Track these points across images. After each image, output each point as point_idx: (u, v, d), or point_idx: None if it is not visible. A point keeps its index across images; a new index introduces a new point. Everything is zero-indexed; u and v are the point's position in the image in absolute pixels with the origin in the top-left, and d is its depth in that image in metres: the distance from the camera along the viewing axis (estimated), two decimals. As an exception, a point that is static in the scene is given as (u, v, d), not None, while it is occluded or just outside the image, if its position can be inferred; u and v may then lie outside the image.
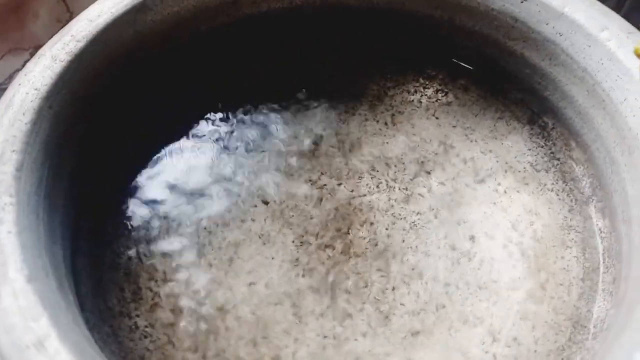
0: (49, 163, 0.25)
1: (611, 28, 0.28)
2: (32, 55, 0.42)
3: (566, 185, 0.31)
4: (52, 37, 0.42)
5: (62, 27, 0.41)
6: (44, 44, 0.42)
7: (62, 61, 0.27)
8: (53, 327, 0.19)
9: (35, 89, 0.26)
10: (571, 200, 0.31)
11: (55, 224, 0.25)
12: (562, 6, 0.29)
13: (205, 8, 0.32)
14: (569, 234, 0.30)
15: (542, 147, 0.33)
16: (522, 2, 0.30)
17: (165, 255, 0.29)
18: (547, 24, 0.30)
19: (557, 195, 0.31)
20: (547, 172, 0.32)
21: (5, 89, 0.43)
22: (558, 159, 0.32)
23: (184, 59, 0.33)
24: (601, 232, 0.29)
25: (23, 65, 0.42)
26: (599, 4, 0.29)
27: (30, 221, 0.23)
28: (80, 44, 0.28)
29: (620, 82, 0.27)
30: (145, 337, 0.27)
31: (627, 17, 0.29)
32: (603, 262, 0.29)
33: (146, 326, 0.27)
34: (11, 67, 0.42)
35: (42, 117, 0.26)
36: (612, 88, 0.27)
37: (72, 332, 0.20)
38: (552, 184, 0.32)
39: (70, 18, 0.40)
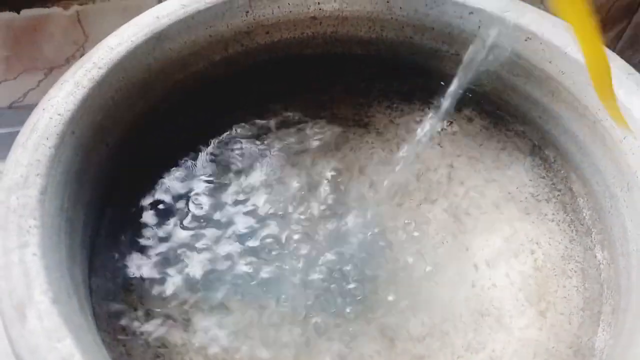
0: (70, 187, 0.26)
1: (612, 68, 0.29)
2: (46, 75, 0.43)
3: (567, 216, 0.32)
4: (67, 58, 0.43)
5: (77, 50, 0.42)
6: (58, 65, 0.43)
7: (84, 87, 0.28)
8: (77, 348, 0.20)
9: (59, 114, 0.27)
10: (572, 231, 0.32)
11: (75, 245, 0.26)
12: (565, 45, 0.30)
13: (221, 38, 0.33)
14: (569, 263, 0.31)
15: (544, 177, 0.34)
16: (525, 40, 0.31)
17: (178, 275, 0.30)
18: (550, 62, 0.31)
19: (558, 225, 0.32)
20: (548, 202, 0.33)
21: (18, 107, 0.44)
22: (559, 190, 0.33)
23: (198, 86, 0.34)
24: (601, 263, 0.30)
25: (37, 85, 0.44)
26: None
27: (53, 243, 0.24)
28: (102, 71, 0.29)
29: (620, 121, 0.28)
30: (158, 357, 0.28)
31: (621, 53, 0.30)
32: (603, 293, 0.30)
33: (159, 346, 0.28)
34: (25, 87, 0.43)
35: (65, 142, 0.26)
36: (613, 126, 0.28)
37: (94, 352, 0.21)
38: (553, 214, 0.33)
39: (86, 41, 0.41)
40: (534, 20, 0.31)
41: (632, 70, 0.29)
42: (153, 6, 0.31)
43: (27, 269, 0.22)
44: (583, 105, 0.30)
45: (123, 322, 0.28)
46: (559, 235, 0.32)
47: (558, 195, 0.33)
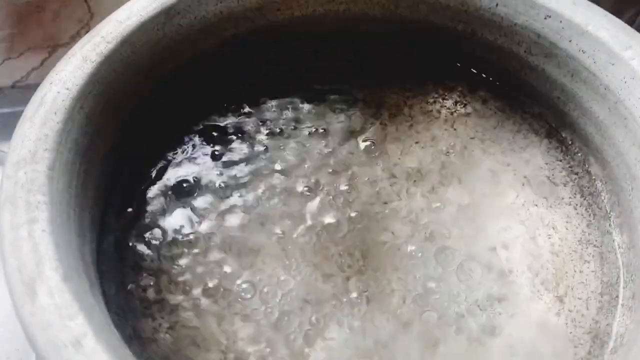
0: (79, 163, 0.25)
1: (635, 47, 0.28)
2: (50, 53, 0.42)
3: (584, 199, 0.32)
4: (71, 36, 0.42)
5: (82, 27, 0.42)
6: (62, 43, 0.42)
7: (92, 62, 0.27)
8: (89, 326, 0.19)
9: (67, 89, 0.26)
10: (589, 215, 0.31)
11: (84, 224, 0.25)
12: (586, 24, 0.30)
13: (231, 14, 0.32)
14: (587, 248, 0.30)
15: (560, 160, 0.33)
16: (545, 18, 0.31)
17: (187, 255, 0.29)
18: (570, 41, 0.30)
19: (575, 209, 0.32)
20: (565, 186, 0.32)
21: (22, 86, 0.44)
22: (576, 174, 0.33)
23: (208, 62, 0.33)
24: (620, 247, 0.30)
25: (41, 64, 0.43)
26: (623, 23, 0.29)
27: (63, 221, 0.23)
28: (110, 45, 0.28)
29: (643, 100, 0.28)
30: (168, 338, 0.27)
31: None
32: (622, 278, 0.29)
33: (169, 327, 0.27)
34: (29, 65, 0.42)
35: (73, 117, 0.26)
36: (635, 106, 0.28)
37: (106, 331, 0.20)
38: (570, 198, 0.32)
39: (91, 19, 0.41)
40: (554, -3, 0.30)
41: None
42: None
43: (37, 244, 0.21)
44: (604, 85, 0.29)
45: (131, 303, 0.27)
46: (576, 219, 0.31)
47: (575, 178, 0.33)
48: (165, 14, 0.30)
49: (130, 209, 0.30)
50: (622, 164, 0.29)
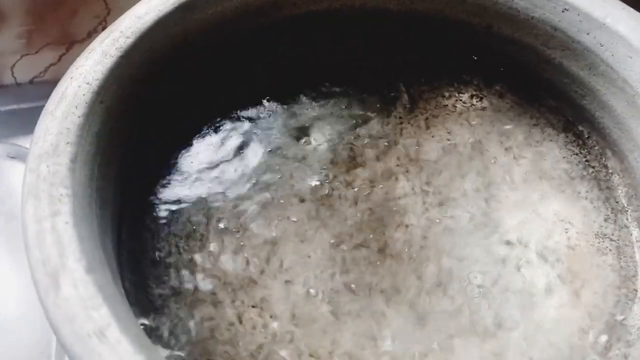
0: (100, 156, 0.26)
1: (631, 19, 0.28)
2: (67, 50, 0.43)
3: (601, 193, 0.32)
4: (88, 32, 0.42)
5: (99, 23, 0.42)
6: (80, 39, 0.43)
7: (112, 56, 0.27)
8: (113, 317, 0.20)
9: (87, 83, 0.26)
10: (606, 209, 0.31)
11: (106, 216, 0.25)
12: (604, 17, 0.29)
13: (247, 9, 0.32)
14: (604, 242, 0.30)
15: (577, 154, 0.33)
16: (563, 11, 0.31)
17: (204, 250, 0.29)
18: (588, 34, 0.30)
19: (592, 203, 0.32)
20: (582, 179, 0.32)
21: (40, 82, 0.44)
22: (593, 167, 0.33)
23: (225, 56, 0.33)
24: (637, 241, 0.30)
25: (59, 60, 0.43)
26: (640, 15, 0.29)
27: (85, 213, 0.23)
28: (130, 40, 0.28)
29: (662, 94, 0.27)
30: (186, 331, 0.27)
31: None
32: (639, 271, 0.29)
33: (187, 320, 0.27)
34: (47, 61, 0.43)
35: (94, 111, 0.26)
36: (654, 99, 0.28)
37: (130, 322, 0.21)
38: (587, 192, 0.32)
39: (108, 15, 0.41)
40: (572, -10, 0.30)
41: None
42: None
43: (60, 236, 0.22)
44: (622, 79, 0.29)
45: (150, 296, 0.28)
46: (593, 213, 0.31)
47: (592, 172, 0.32)
48: (184, 8, 0.30)
49: (150, 200, 0.31)
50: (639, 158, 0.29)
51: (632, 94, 0.29)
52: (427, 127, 0.34)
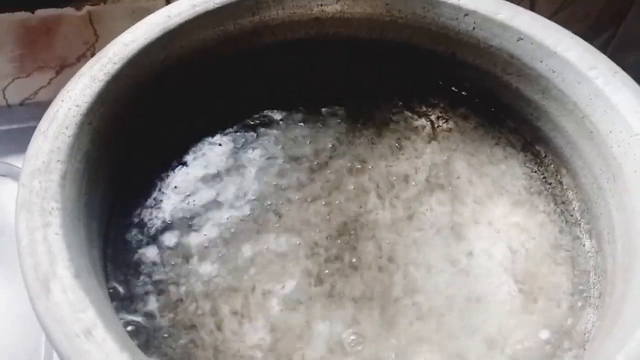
0: (88, 173, 0.28)
1: (599, 67, 0.31)
2: (57, 73, 0.45)
3: (557, 207, 0.34)
4: (77, 57, 0.44)
5: (88, 49, 0.44)
6: (69, 63, 0.45)
7: (100, 81, 0.30)
8: (99, 318, 0.22)
9: (77, 106, 0.28)
10: (561, 222, 0.34)
11: (93, 229, 0.27)
12: (555, 45, 0.32)
13: (229, 36, 0.35)
14: (559, 252, 0.33)
15: (535, 172, 0.36)
16: (517, 40, 0.33)
17: (187, 260, 0.31)
18: (541, 61, 0.33)
19: (549, 216, 0.34)
20: (539, 195, 0.35)
21: (31, 104, 0.46)
22: (550, 184, 0.35)
23: (210, 81, 0.35)
24: (589, 251, 0.32)
25: (49, 83, 0.45)
26: (588, 44, 0.32)
27: (74, 226, 0.25)
28: (117, 66, 0.30)
29: (606, 116, 0.30)
30: (169, 336, 0.29)
31: (612, 57, 0.32)
32: (591, 279, 0.31)
33: (169, 326, 0.29)
34: (37, 84, 0.45)
35: (83, 132, 0.28)
36: (599, 121, 0.30)
37: (114, 323, 0.23)
38: (544, 206, 0.34)
39: (97, 41, 0.43)
40: (526, 21, 0.33)
41: (617, 68, 0.31)
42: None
43: (50, 246, 0.23)
44: (572, 102, 0.32)
45: (135, 305, 0.30)
46: (550, 225, 0.34)
47: (549, 188, 0.35)
48: (168, 37, 0.32)
49: (135, 214, 0.33)
50: (589, 174, 0.32)
51: (581, 116, 0.31)
52: (398, 147, 0.37)
